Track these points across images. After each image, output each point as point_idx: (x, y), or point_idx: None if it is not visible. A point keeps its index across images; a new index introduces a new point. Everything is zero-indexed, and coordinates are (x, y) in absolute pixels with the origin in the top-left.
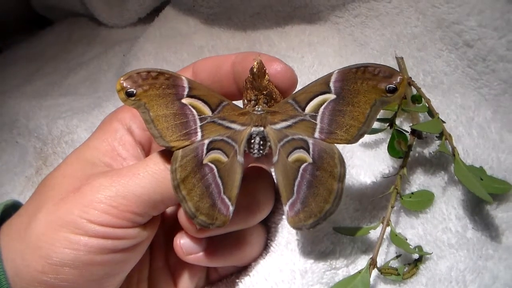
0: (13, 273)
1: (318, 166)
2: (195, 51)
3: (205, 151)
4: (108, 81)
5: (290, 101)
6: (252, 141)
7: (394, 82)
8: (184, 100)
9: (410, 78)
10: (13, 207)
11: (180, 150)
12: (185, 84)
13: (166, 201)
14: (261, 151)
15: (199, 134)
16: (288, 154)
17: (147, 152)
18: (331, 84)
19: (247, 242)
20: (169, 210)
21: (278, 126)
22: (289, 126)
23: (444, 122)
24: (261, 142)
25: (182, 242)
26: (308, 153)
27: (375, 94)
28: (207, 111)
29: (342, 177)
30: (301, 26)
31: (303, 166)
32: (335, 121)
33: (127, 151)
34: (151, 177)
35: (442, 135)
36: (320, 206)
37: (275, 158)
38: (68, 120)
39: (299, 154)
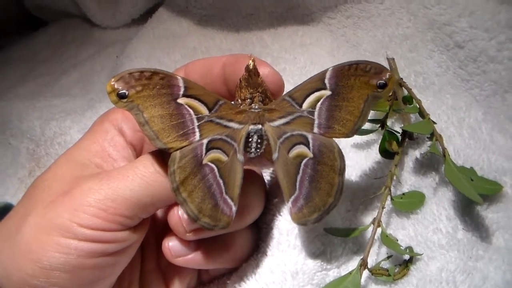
0: (2, 276)
1: (319, 160)
2: (188, 52)
3: (204, 151)
4: (101, 82)
5: (287, 98)
6: (250, 139)
7: (383, 78)
8: (180, 100)
9: (401, 79)
10: (5, 209)
11: (178, 151)
12: (181, 84)
13: (156, 204)
14: (258, 150)
15: (197, 134)
16: (288, 150)
17: (138, 153)
18: (326, 81)
19: (236, 244)
20: (160, 211)
21: (276, 123)
22: (287, 123)
23: (435, 123)
24: (259, 141)
25: (171, 245)
26: (308, 148)
27: (367, 90)
28: (204, 110)
29: (342, 170)
30: (294, 27)
31: (304, 161)
32: (332, 116)
33: (118, 152)
34: (141, 179)
35: (433, 136)
36: (323, 200)
37: (275, 155)
38: (61, 121)
39: (300, 149)
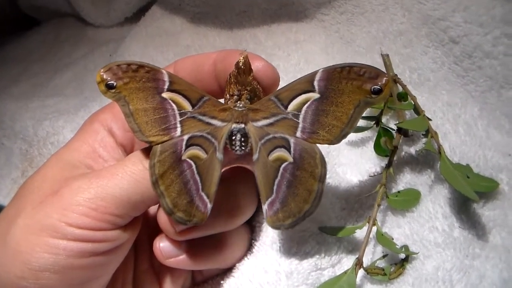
0: None
1: (298, 165)
2: (182, 50)
3: (184, 147)
4: (94, 81)
5: (273, 99)
6: (233, 138)
7: (379, 83)
8: (164, 94)
9: (396, 75)
10: None
11: (159, 145)
12: (166, 78)
13: (146, 201)
14: (243, 148)
15: (179, 129)
16: (269, 152)
17: (129, 153)
18: (315, 83)
19: (228, 244)
20: (153, 211)
21: (260, 123)
22: (270, 124)
23: (430, 119)
24: (243, 139)
25: (162, 246)
26: (289, 152)
27: (359, 95)
28: (187, 106)
29: (322, 177)
30: (288, 24)
31: (283, 165)
32: (318, 121)
33: (108, 153)
34: (130, 177)
35: (428, 132)
36: (299, 206)
37: (255, 156)
38: (54, 121)
39: (280, 153)
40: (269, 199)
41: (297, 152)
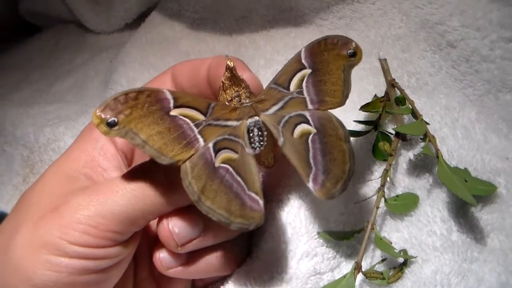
0: None
1: (323, 133)
2: (181, 56)
3: (213, 154)
4: (95, 88)
5: (273, 86)
6: (251, 135)
7: (351, 47)
8: (173, 112)
9: (394, 79)
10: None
11: (187, 162)
12: (169, 96)
13: (147, 217)
14: (262, 143)
15: (201, 140)
16: (291, 132)
17: (129, 161)
18: (303, 61)
19: (228, 252)
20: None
21: (271, 111)
22: (281, 108)
23: (428, 123)
24: (259, 133)
25: (162, 256)
26: (310, 124)
27: (341, 60)
28: (199, 116)
29: (347, 137)
30: (286, 29)
31: (310, 137)
32: (320, 90)
33: (108, 162)
34: (130, 194)
35: (426, 137)
36: (342, 168)
37: (280, 140)
38: (55, 128)
39: (302, 128)
40: (311, 175)
41: (316, 121)
